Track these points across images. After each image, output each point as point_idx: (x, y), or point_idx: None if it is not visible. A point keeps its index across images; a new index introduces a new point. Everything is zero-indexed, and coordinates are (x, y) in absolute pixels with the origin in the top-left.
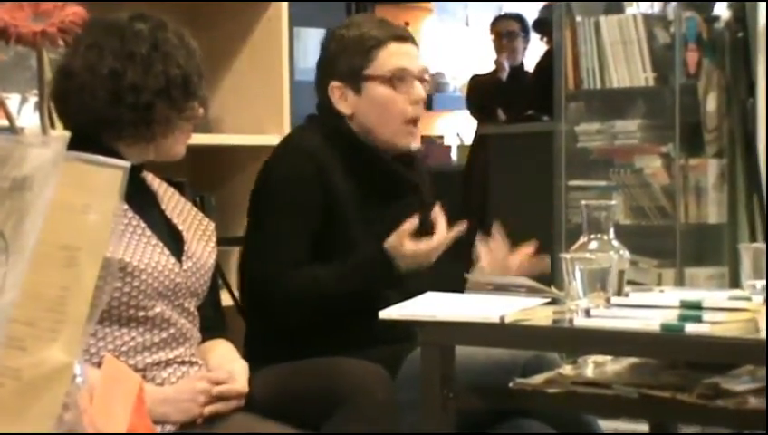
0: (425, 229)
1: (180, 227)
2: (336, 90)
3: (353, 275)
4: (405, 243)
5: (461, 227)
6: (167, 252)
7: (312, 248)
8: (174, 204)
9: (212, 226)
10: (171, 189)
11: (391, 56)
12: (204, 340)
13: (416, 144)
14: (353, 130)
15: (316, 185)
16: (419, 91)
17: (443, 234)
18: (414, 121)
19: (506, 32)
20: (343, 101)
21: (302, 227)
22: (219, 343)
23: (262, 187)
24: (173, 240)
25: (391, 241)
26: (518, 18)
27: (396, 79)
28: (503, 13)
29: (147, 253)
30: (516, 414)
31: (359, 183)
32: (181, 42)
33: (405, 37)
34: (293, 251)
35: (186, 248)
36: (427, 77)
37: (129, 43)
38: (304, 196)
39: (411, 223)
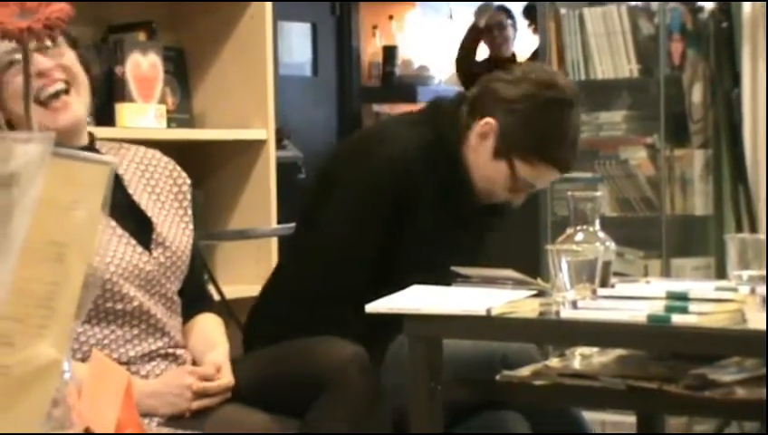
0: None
1: (149, 213)
2: (488, 126)
3: None
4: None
5: None
6: (132, 241)
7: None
8: (146, 179)
9: (187, 183)
10: (142, 151)
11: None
12: (190, 315)
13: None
14: (461, 158)
15: (393, 198)
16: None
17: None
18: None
19: (496, 23)
20: (482, 141)
21: (367, 241)
22: (206, 319)
23: (346, 172)
24: (140, 227)
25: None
26: (504, 10)
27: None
28: (484, 4)
29: (111, 245)
30: (493, 406)
31: (446, 204)
32: None
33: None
34: (354, 277)
35: (155, 236)
36: None
37: None
38: (376, 208)
39: None
